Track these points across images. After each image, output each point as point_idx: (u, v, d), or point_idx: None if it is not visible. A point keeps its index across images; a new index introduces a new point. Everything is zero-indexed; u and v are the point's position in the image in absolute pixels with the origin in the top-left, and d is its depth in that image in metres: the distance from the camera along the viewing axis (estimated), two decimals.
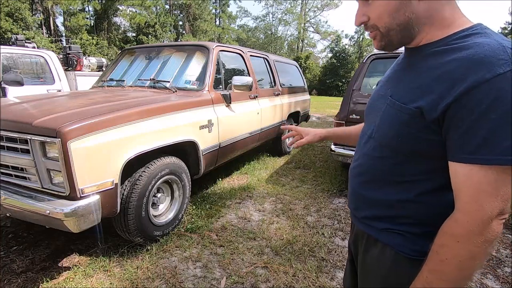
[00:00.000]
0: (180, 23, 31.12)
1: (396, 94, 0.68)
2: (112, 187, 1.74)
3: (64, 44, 11.82)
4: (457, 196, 0.58)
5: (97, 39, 21.92)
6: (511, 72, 0.51)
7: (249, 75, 3.59)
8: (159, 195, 2.22)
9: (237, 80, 2.84)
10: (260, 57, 4.18)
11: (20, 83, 3.64)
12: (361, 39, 33.37)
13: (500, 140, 0.51)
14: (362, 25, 0.69)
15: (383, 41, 0.68)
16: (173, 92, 2.62)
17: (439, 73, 0.59)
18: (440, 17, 0.62)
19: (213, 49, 2.95)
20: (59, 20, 23.57)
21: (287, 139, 4.76)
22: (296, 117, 5.10)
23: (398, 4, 0.62)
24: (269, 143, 4.47)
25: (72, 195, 1.58)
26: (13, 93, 3.73)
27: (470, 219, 0.55)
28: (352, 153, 3.03)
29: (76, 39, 20.42)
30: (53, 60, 4.50)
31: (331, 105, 14.74)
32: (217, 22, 35.45)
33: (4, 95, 3.75)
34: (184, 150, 2.49)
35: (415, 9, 0.62)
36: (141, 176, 1.97)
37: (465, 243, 0.56)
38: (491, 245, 0.56)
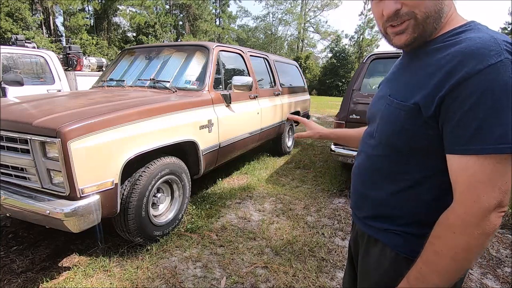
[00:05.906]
0: (180, 23, 31.15)
1: (394, 93, 0.68)
2: (112, 187, 1.74)
3: (64, 44, 11.83)
4: (454, 188, 0.58)
5: (97, 39, 21.93)
6: (501, 62, 0.51)
7: (249, 75, 3.59)
8: (159, 195, 2.21)
9: (237, 80, 2.84)
10: (260, 57, 4.18)
11: (20, 83, 3.64)
12: (361, 39, 33.36)
13: (493, 129, 0.51)
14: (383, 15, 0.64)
15: (416, 32, 0.62)
16: (173, 92, 2.62)
17: (433, 68, 0.59)
18: (444, 14, 0.62)
19: (213, 49, 2.95)
20: (59, 20, 23.60)
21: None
22: None
23: None
24: (269, 143, 4.47)
25: (72, 195, 1.58)
26: (13, 93, 3.73)
27: (467, 210, 0.54)
28: (352, 153, 3.06)
29: (76, 39, 20.42)
30: (53, 60, 4.50)
31: (331, 105, 14.75)
32: (217, 22, 35.47)
33: (4, 95, 3.75)
34: (184, 150, 2.49)
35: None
36: (141, 176, 1.97)
37: (461, 234, 0.55)
38: (488, 238, 0.54)
